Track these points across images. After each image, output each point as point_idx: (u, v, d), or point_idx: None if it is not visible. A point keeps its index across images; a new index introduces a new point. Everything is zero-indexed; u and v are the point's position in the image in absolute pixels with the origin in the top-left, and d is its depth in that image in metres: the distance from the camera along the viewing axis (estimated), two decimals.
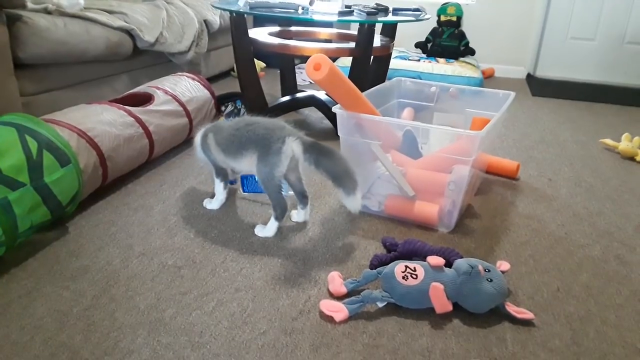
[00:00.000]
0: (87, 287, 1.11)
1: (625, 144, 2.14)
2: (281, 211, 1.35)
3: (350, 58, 2.45)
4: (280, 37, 2.35)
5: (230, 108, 2.29)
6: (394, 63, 3.32)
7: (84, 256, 1.23)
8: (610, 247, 1.38)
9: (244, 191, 1.59)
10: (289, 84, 2.65)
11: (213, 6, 2.24)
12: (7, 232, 1.11)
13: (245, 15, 2.14)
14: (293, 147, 1.28)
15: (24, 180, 1.16)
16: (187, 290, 1.12)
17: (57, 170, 1.24)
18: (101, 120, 1.52)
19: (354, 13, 2.10)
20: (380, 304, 1.07)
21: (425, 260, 1.11)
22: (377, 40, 2.33)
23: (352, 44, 2.14)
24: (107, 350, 0.93)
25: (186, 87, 2.00)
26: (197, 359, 0.92)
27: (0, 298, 1.07)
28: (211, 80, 3.23)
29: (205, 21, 2.84)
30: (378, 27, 2.21)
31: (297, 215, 1.44)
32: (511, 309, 1.06)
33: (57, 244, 1.28)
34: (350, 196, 1.25)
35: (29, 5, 1.94)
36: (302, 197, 1.42)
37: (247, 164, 1.34)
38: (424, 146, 1.57)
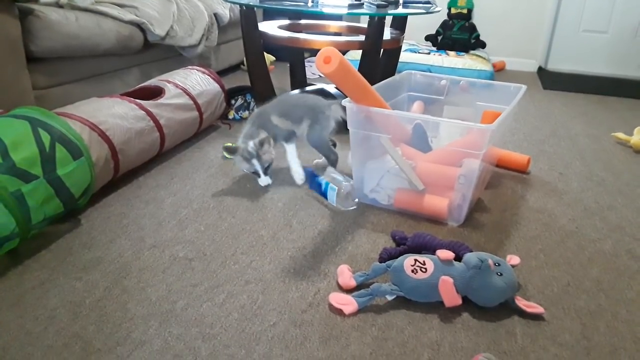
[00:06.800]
0: (100, 279, 1.13)
1: (637, 137, 2.12)
2: (334, 159, 1.66)
3: (360, 51, 2.44)
4: (290, 30, 2.35)
5: (240, 102, 2.30)
6: (404, 56, 3.31)
7: (96, 248, 1.25)
8: (621, 242, 1.38)
9: (309, 187, 1.63)
10: (298, 78, 2.65)
11: None
12: (21, 224, 1.13)
13: (255, 8, 2.14)
14: (339, 111, 1.60)
15: (37, 173, 1.17)
16: (197, 282, 1.13)
17: (69, 163, 1.26)
18: (113, 114, 1.53)
19: (364, 6, 2.09)
20: (389, 297, 1.08)
21: (434, 254, 1.11)
22: (387, 33, 2.31)
23: (362, 37, 2.13)
24: (119, 341, 0.95)
25: (196, 80, 2.00)
26: (207, 350, 0.93)
27: (15, 289, 1.09)
28: (221, 73, 3.23)
29: (215, 14, 2.84)
30: (388, 20, 2.20)
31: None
32: (521, 303, 1.06)
33: (69, 236, 1.30)
34: None
35: None
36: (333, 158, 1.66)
37: (304, 129, 1.63)
38: (434, 140, 1.56)
